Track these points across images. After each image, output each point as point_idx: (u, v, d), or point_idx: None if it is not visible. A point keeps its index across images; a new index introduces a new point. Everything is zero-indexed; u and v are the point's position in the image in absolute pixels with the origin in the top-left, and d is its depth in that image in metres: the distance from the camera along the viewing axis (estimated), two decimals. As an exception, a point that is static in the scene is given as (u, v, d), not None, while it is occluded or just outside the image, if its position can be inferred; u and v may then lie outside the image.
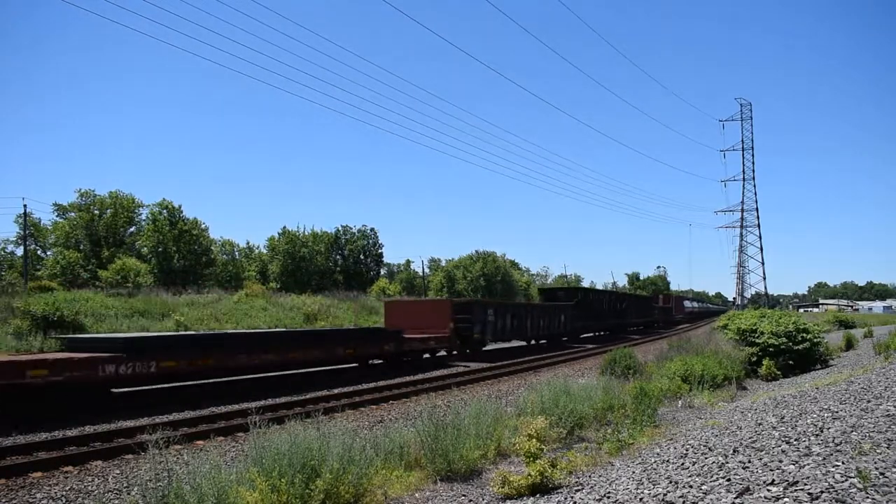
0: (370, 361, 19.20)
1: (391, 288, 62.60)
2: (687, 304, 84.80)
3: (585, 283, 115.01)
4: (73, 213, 48.80)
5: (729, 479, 4.42)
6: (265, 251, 66.44)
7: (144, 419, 10.95)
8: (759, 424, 7.05)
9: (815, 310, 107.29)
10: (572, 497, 5.36)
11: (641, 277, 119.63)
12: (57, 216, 50.31)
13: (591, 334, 40.42)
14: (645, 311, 52.08)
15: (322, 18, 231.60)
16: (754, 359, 17.66)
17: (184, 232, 47.90)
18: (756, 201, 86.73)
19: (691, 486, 4.51)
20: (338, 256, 66.99)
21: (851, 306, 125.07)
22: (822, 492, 3.70)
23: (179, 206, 49.46)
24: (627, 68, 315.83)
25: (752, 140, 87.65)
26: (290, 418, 6.30)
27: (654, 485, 4.95)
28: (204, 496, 4.77)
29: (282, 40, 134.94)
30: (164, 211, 48.44)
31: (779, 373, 16.88)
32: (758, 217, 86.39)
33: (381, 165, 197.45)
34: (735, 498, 3.95)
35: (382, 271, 75.41)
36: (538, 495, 5.78)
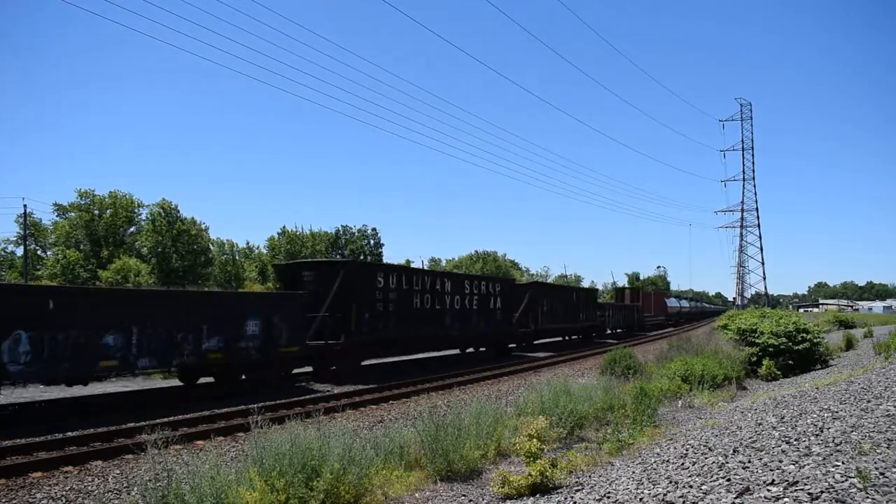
0: None
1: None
2: (673, 302, 68.49)
3: (585, 283, 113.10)
4: (73, 213, 48.76)
5: (729, 479, 4.42)
6: (265, 251, 66.47)
7: (144, 419, 10.95)
8: (759, 424, 7.05)
9: (815, 310, 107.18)
10: (572, 497, 5.36)
11: (642, 277, 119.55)
12: (57, 216, 50.25)
13: (409, 356, 22.36)
14: (577, 311, 33.86)
15: (322, 18, 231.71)
16: (754, 359, 17.66)
17: (182, 232, 47.91)
18: (756, 201, 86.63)
19: (691, 486, 4.51)
20: (338, 256, 67.01)
21: (851, 306, 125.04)
22: (822, 492, 3.70)
23: (176, 206, 49.52)
24: (627, 68, 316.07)
25: (752, 140, 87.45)
26: (291, 418, 6.30)
27: (654, 485, 4.95)
28: (203, 496, 4.77)
29: (282, 40, 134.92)
30: (162, 210, 48.47)
31: (779, 373, 16.88)
32: (758, 217, 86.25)
33: (381, 165, 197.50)
34: (735, 498, 3.95)
35: (382, 271, 75.27)
36: (538, 495, 5.78)
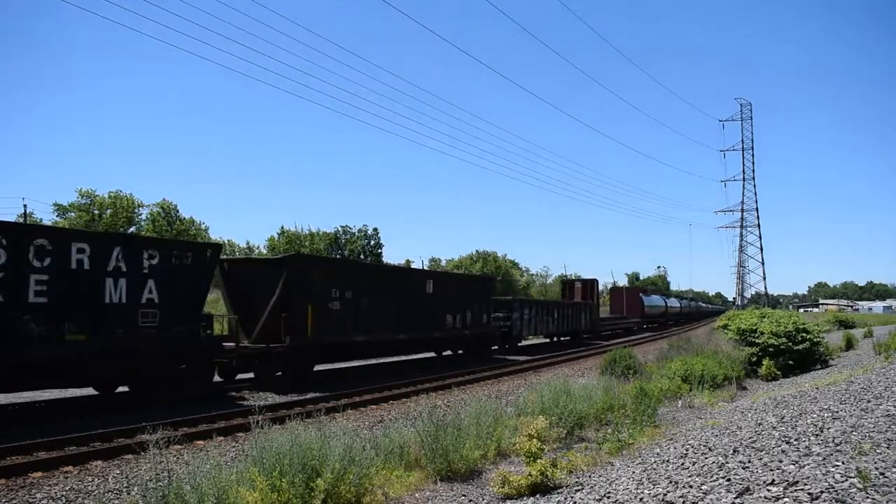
0: None
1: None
2: (654, 300, 54.87)
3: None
4: (73, 213, 48.76)
5: (729, 479, 4.42)
6: (265, 251, 66.47)
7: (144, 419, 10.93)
8: (759, 424, 7.06)
9: (815, 310, 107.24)
10: (572, 497, 5.36)
11: (642, 277, 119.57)
12: (57, 216, 50.24)
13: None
14: (443, 313, 20.83)
15: (322, 19, 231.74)
16: (754, 359, 17.67)
17: (181, 231, 48.00)
18: (756, 201, 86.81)
19: (691, 486, 4.51)
20: (338, 256, 67.04)
21: (851, 306, 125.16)
22: (822, 492, 3.70)
23: (175, 206, 49.63)
24: (627, 68, 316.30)
25: (752, 140, 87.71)
26: (291, 418, 6.30)
27: (654, 485, 4.95)
28: (204, 496, 4.77)
29: (283, 41, 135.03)
30: (162, 210, 48.60)
31: (779, 373, 16.89)
32: (758, 217, 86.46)
33: (382, 165, 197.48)
34: (735, 498, 3.95)
35: (382, 271, 75.24)
36: (538, 495, 5.78)
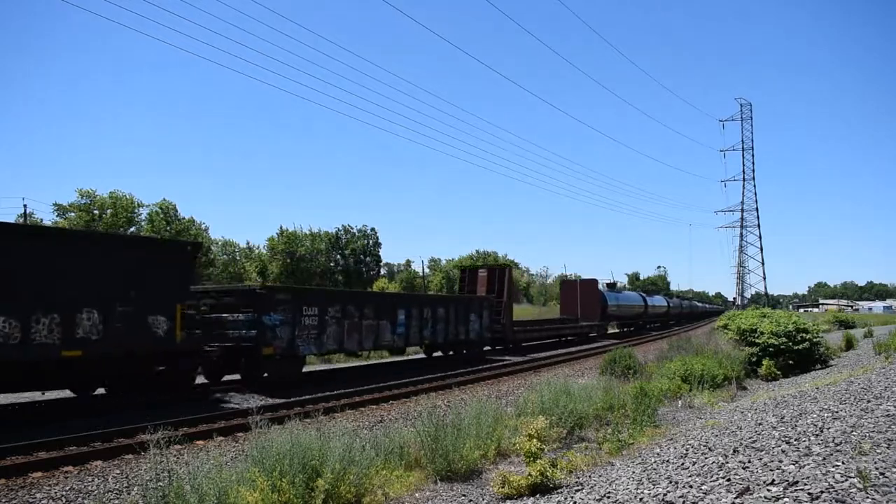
0: None
1: (390, 288, 62.74)
2: (626, 298, 43.75)
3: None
4: (73, 213, 48.72)
5: (729, 479, 4.42)
6: (265, 251, 66.47)
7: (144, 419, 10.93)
8: (759, 424, 7.06)
9: (815, 310, 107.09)
10: (572, 497, 5.36)
11: (641, 277, 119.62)
12: (57, 216, 50.20)
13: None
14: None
15: (322, 19, 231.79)
16: (754, 359, 17.66)
17: (180, 231, 47.98)
18: (756, 201, 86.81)
19: (691, 486, 4.51)
20: (338, 256, 67.08)
21: (851, 306, 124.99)
22: (822, 492, 3.70)
23: (175, 206, 49.60)
24: (627, 68, 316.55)
25: (752, 140, 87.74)
26: (291, 418, 6.31)
27: (654, 485, 4.95)
28: (205, 496, 4.77)
29: (283, 41, 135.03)
30: (160, 210, 48.60)
31: (779, 373, 16.87)
32: (758, 217, 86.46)
33: (382, 165, 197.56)
34: (735, 498, 3.95)
35: (383, 271, 75.56)
36: (538, 495, 5.78)
